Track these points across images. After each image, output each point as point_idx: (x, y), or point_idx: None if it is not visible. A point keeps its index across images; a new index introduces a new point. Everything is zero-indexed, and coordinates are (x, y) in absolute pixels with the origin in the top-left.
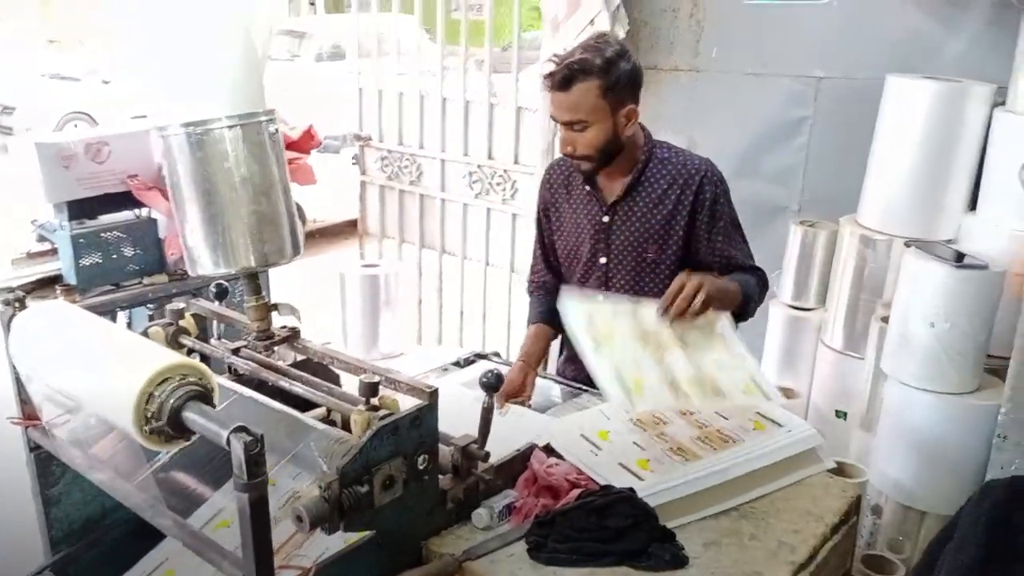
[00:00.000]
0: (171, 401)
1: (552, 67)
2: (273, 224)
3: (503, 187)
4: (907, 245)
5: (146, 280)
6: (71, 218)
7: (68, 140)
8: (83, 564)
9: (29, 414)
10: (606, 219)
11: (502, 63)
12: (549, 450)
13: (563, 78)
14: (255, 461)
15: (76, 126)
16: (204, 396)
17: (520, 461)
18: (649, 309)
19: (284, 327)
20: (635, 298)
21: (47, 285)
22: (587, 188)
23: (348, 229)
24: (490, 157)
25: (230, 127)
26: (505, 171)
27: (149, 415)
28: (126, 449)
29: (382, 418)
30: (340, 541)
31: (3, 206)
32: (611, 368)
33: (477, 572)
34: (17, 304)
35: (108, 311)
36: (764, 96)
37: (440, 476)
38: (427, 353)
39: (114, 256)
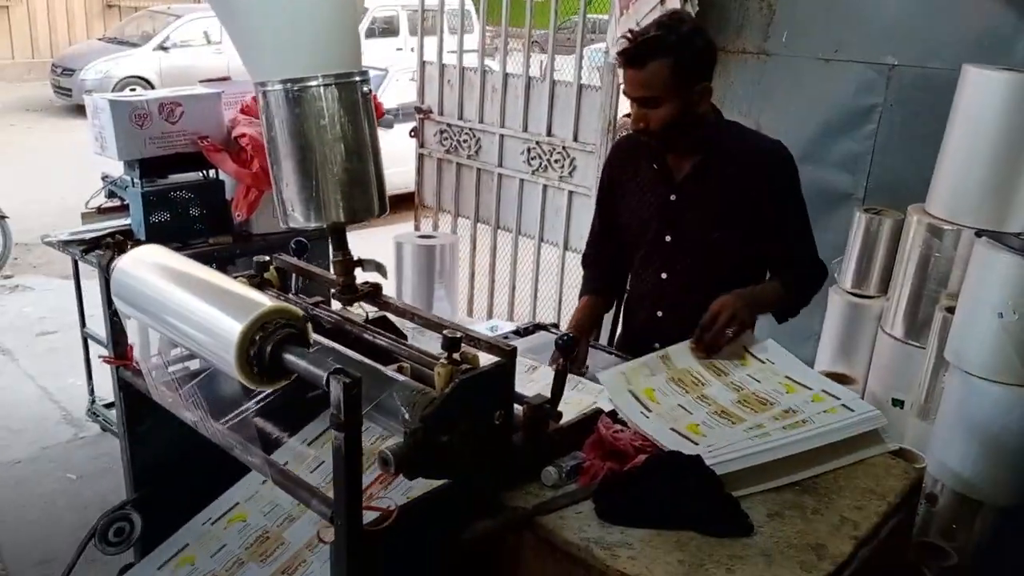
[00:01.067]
0: (271, 343)
1: (626, 43)
2: (363, 182)
3: (561, 164)
4: (978, 235)
5: (212, 240)
6: (142, 176)
7: (142, 99)
8: (161, 502)
9: (120, 354)
10: (674, 197)
11: (564, 46)
12: (614, 416)
13: (637, 54)
14: (352, 402)
15: (133, 90)
16: (300, 339)
17: (588, 424)
18: (678, 350)
19: (366, 283)
20: (662, 351)
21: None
22: (655, 166)
23: (399, 203)
24: (549, 134)
25: (326, 85)
26: (564, 147)
27: (251, 355)
28: (214, 393)
29: (464, 372)
30: (417, 488)
31: (72, 162)
32: (665, 427)
33: (546, 526)
34: (117, 248)
35: None
36: (834, 82)
37: (513, 433)
38: (480, 325)
39: (182, 215)
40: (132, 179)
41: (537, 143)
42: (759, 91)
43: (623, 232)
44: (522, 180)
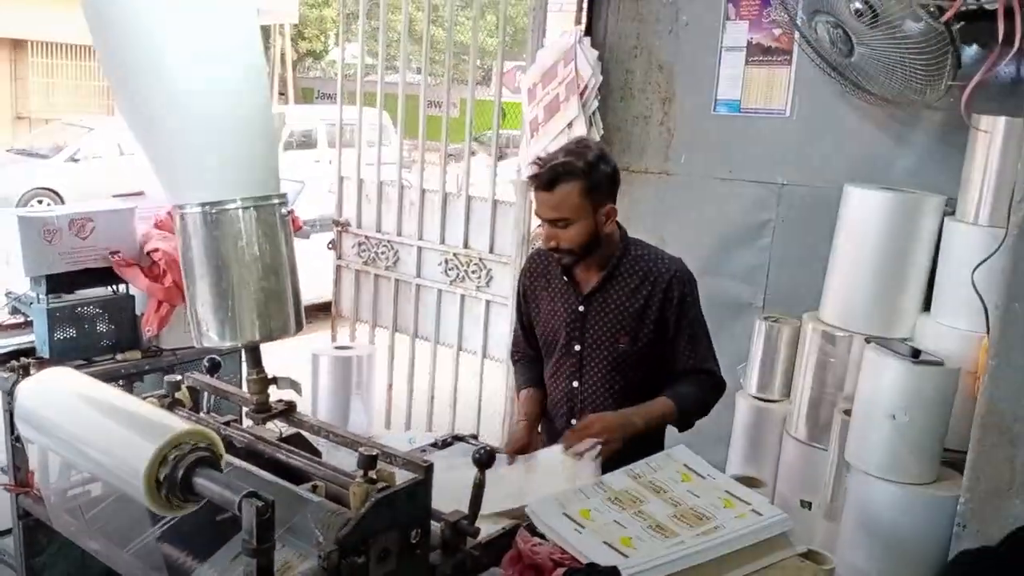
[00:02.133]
0: (182, 468)
1: (536, 169)
2: (280, 300)
3: (478, 275)
4: (867, 341)
5: (120, 356)
6: (48, 291)
7: (52, 215)
8: None
9: (21, 481)
10: (582, 308)
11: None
12: (533, 529)
13: (548, 179)
14: (265, 526)
15: (41, 202)
16: (212, 461)
17: (506, 539)
18: (614, 476)
19: (280, 401)
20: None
21: (20, 357)
22: (565, 279)
23: (316, 312)
24: (466, 246)
25: (245, 208)
26: (480, 259)
27: (161, 479)
28: (118, 519)
29: (380, 490)
30: None
31: None
32: (597, 542)
33: None
34: (21, 371)
35: None
36: (730, 199)
37: (430, 551)
38: (398, 436)
39: (89, 330)
40: (38, 295)
41: (455, 255)
42: (662, 207)
43: (538, 339)
44: (440, 290)
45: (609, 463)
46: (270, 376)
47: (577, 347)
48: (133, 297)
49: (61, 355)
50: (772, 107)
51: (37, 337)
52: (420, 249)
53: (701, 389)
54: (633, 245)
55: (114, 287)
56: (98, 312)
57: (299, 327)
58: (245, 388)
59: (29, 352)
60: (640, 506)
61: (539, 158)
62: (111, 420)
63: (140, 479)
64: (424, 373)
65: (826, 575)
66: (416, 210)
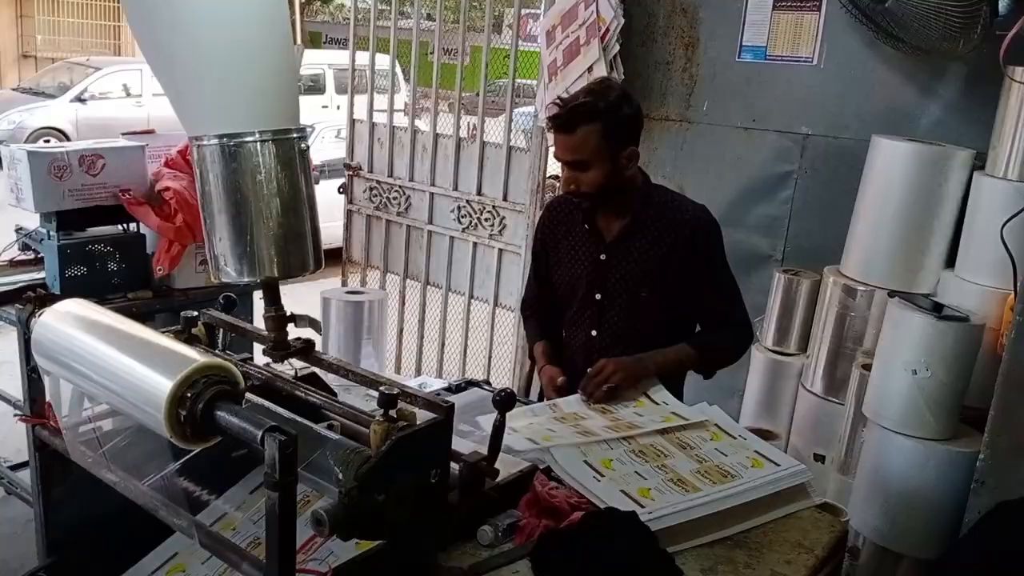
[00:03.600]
0: (202, 401)
1: (556, 109)
2: (298, 237)
3: (491, 222)
4: (891, 295)
5: (131, 295)
6: (59, 228)
7: (62, 150)
8: (76, 569)
9: (37, 412)
10: (603, 257)
11: (492, 109)
12: (549, 473)
13: (567, 120)
14: (288, 461)
15: (48, 141)
16: (233, 396)
17: (523, 482)
18: (646, 424)
19: (298, 339)
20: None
21: (32, 291)
22: (586, 226)
23: (325, 258)
24: (479, 193)
25: (263, 141)
26: (494, 207)
27: (181, 413)
28: (134, 452)
29: (401, 429)
30: (348, 550)
31: None
32: (614, 490)
33: None
34: (37, 302)
35: None
36: (752, 149)
37: (449, 492)
38: (408, 382)
39: (100, 269)
40: (48, 232)
41: (467, 201)
42: (682, 156)
43: (556, 289)
44: (452, 237)
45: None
46: (288, 314)
47: (598, 296)
48: (144, 236)
49: (72, 293)
50: (799, 55)
51: (48, 274)
52: (432, 195)
53: (726, 338)
54: (656, 191)
55: (125, 226)
56: (109, 250)
57: (318, 265)
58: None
59: (40, 288)
60: (664, 460)
61: (559, 98)
62: (131, 352)
63: (161, 412)
64: (435, 320)
65: (844, 525)
66: (429, 156)
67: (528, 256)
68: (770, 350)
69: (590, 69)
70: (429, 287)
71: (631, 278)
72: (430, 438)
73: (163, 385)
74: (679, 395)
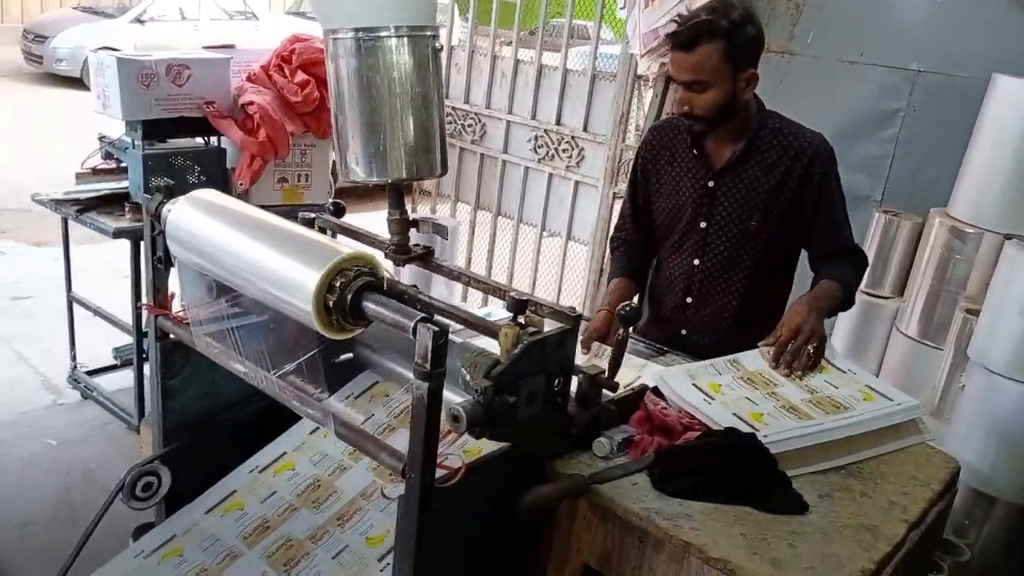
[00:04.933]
0: (351, 290)
1: (676, 26)
2: (428, 139)
3: (569, 153)
4: (1007, 238)
5: None
6: (144, 138)
7: (150, 59)
8: (190, 458)
9: (160, 303)
10: (711, 184)
11: (550, 49)
12: (658, 394)
13: (688, 37)
14: (440, 351)
15: None
16: (378, 288)
17: (634, 400)
18: (748, 357)
19: (418, 245)
20: (729, 356)
21: (113, 201)
22: (694, 152)
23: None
24: (559, 122)
25: (399, 37)
26: (573, 137)
27: (330, 302)
28: (257, 344)
29: (532, 334)
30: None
31: (44, 130)
32: (726, 412)
33: (604, 495)
34: (167, 193)
35: None
36: (857, 85)
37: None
38: (476, 311)
39: (181, 180)
40: (133, 140)
41: (545, 131)
42: (781, 89)
43: (655, 217)
44: (527, 168)
45: None
46: (412, 219)
47: (703, 224)
48: (224, 151)
49: None
50: None
51: (131, 182)
52: (509, 123)
53: (854, 268)
54: (770, 117)
55: (206, 139)
56: (190, 163)
57: (444, 170)
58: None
59: (124, 197)
60: (773, 388)
61: (679, 16)
62: (275, 243)
63: (309, 301)
64: (504, 251)
65: (955, 464)
66: (508, 83)
67: (606, 189)
68: (863, 292)
69: None
70: (500, 218)
71: (741, 206)
72: (557, 345)
73: (311, 275)
74: None
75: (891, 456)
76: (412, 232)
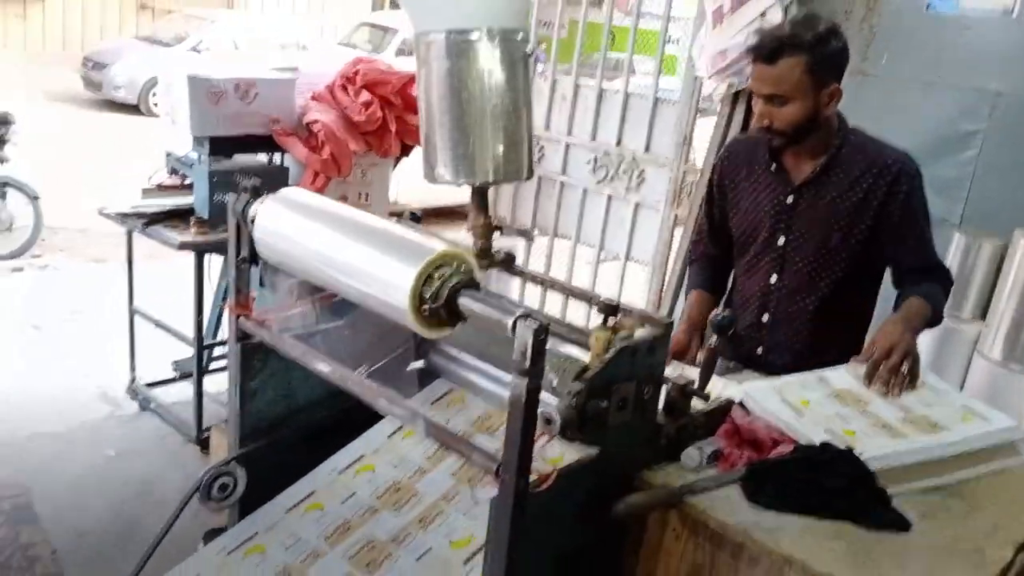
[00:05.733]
0: (447, 287)
1: (758, 39)
2: (516, 142)
3: (629, 175)
4: None
5: None
6: (210, 154)
7: (220, 77)
8: (264, 461)
9: (242, 303)
10: (790, 200)
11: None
12: (744, 409)
13: (771, 50)
14: (539, 348)
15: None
16: (474, 285)
17: (720, 414)
18: (836, 374)
19: (499, 251)
20: (817, 371)
21: (177, 216)
22: (772, 167)
23: (446, 214)
24: (619, 144)
25: (491, 39)
26: (634, 158)
27: (425, 299)
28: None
29: (623, 339)
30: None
31: (101, 153)
32: (819, 430)
33: (697, 507)
34: (252, 191)
35: None
36: (934, 106)
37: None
38: None
39: None
40: (200, 156)
41: (605, 152)
42: (854, 111)
43: (734, 232)
44: (585, 189)
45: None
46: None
47: (781, 240)
48: (287, 169)
49: (217, 218)
50: (995, 6)
51: (197, 199)
52: (568, 145)
53: (941, 286)
54: (853, 133)
55: (270, 156)
56: (254, 180)
57: (531, 174)
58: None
59: (188, 213)
60: (865, 406)
61: (761, 29)
62: (367, 240)
63: (405, 298)
64: (561, 272)
65: None
66: (568, 105)
67: (667, 211)
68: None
69: (763, 14)
70: (557, 238)
71: (821, 222)
72: (648, 352)
73: (407, 272)
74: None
75: (990, 478)
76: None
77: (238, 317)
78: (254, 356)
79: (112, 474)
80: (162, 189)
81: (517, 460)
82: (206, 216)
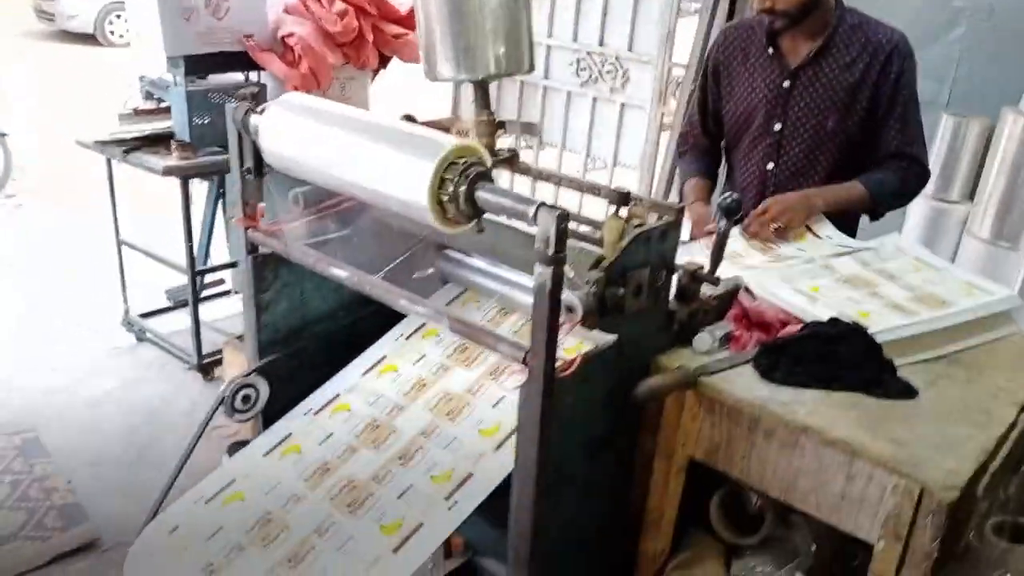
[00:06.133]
0: (464, 181)
1: None
2: (516, 34)
3: (613, 76)
4: None
5: None
6: (187, 74)
7: None
8: (285, 371)
9: (250, 215)
10: (787, 84)
11: None
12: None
13: None
14: (562, 235)
15: (119, 16)
16: (489, 177)
17: (729, 298)
18: (841, 261)
19: (502, 149)
20: (820, 261)
21: (158, 141)
22: (770, 51)
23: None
24: (601, 44)
25: None
26: (617, 58)
27: (444, 195)
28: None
29: (637, 227)
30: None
31: (62, 86)
32: (831, 313)
33: (713, 387)
34: (251, 99)
35: (220, 171)
36: None
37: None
38: None
39: (223, 117)
40: (175, 77)
41: (588, 53)
42: None
43: (725, 121)
44: (569, 93)
45: None
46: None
47: (777, 126)
48: (265, 85)
49: (199, 140)
50: None
51: (176, 121)
52: (549, 48)
53: (901, 177)
54: (849, 13)
55: (246, 74)
56: (230, 99)
57: (531, 67)
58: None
59: (168, 137)
60: (874, 288)
61: None
62: (379, 138)
63: (424, 194)
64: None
65: None
66: (547, 5)
67: (654, 111)
68: (931, 198)
69: None
70: (543, 149)
71: (817, 106)
72: (661, 238)
73: (424, 167)
74: (852, 234)
75: (989, 347)
76: None
77: (247, 230)
78: (265, 267)
79: (117, 404)
80: (139, 114)
81: (544, 345)
82: (187, 139)
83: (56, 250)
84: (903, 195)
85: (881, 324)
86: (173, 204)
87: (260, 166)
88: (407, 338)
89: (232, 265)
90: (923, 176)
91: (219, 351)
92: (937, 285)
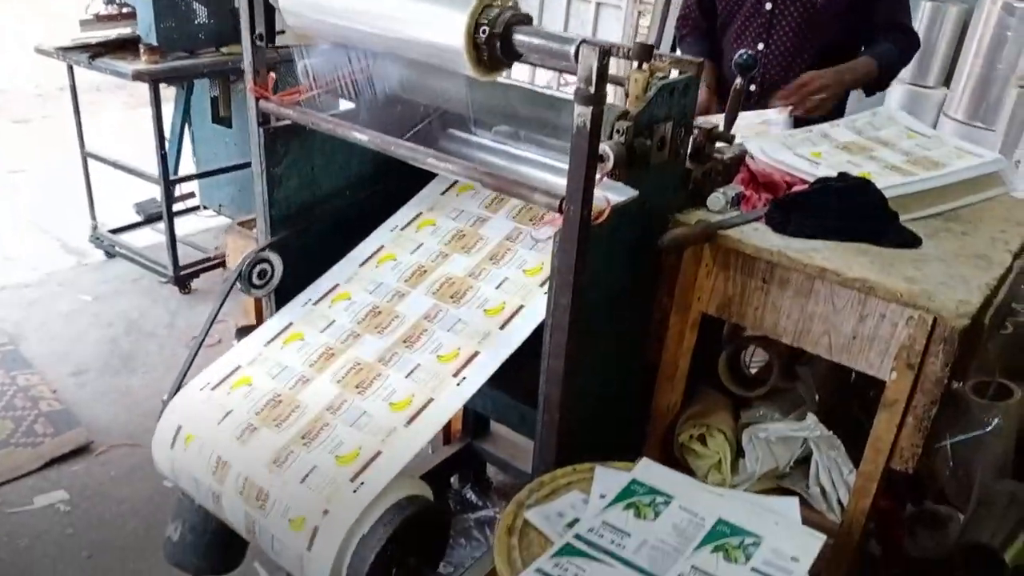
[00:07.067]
0: (500, 24)
1: None
2: None
3: None
4: None
5: (224, 49)
6: None
7: None
8: (297, 248)
9: (261, 84)
10: None
11: None
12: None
13: None
14: (603, 72)
15: None
16: (528, 20)
17: (737, 162)
18: (837, 129)
19: None
20: (816, 127)
21: (124, 46)
22: None
23: None
24: None
25: None
26: None
27: (482, 39)
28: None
29: (661, 79)
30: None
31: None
32: (834, 171)
33: (731, 239)
34: None
35: (191, 76)
36: None
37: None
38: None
39: (188, 21)
40: None
41: None
42: None
43: (718, 1)
44: None
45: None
46: None
47: (768, 6)
48: None
49: (166, 44)
50: None
51: (142, 24)
52: None
53: (901, 47)
54: None
55: None
56: (196, 3)
57: None
58: None
59: (134, 41)
60: (871, 153)
61: None
62: None
63: (460, 37)
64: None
65: None
66: None
67: (631, 7)
68: (909, 84)
69: None
70: None
71: None
72: (683, 92)
73: (460, 10)
74: (840, 112)
75: (981, 205)
76: None
77: (258, 99)
78: (276, 141)
79: (94, 317)
80: (100, 19)
81: (582, 190)
82: (155, 42)
83: (15, 172)
84: (900, 64)
85: (881, 183)
86: (135, 121)
87: (272, 32)
88: (402, 229)
89: (204, 175)
90: (916, 44)
91: (195, 264)
92: (930, 150)
